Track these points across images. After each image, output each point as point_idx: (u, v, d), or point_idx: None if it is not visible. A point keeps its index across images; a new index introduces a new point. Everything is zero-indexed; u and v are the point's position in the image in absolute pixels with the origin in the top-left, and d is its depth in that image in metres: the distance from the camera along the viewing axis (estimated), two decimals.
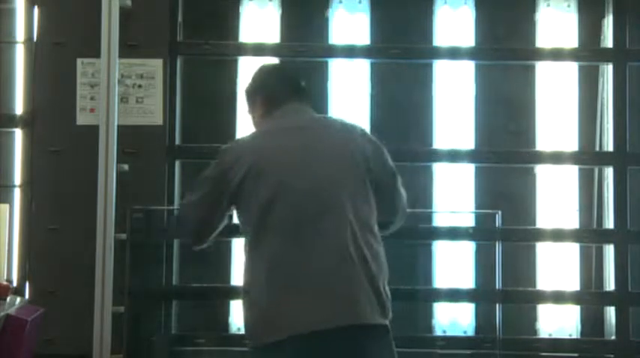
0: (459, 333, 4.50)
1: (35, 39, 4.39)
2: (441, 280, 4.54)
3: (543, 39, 4.64)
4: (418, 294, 4.47)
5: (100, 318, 3.72)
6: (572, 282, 4.54)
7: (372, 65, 4.62)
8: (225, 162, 2.86)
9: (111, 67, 3.75)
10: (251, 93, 3.10)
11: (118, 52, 3.76)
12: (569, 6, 4.64)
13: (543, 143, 4.60)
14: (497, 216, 4.36)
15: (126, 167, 3.85)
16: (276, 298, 2.69)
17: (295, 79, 3.13)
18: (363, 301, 2.72)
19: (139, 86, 4.34)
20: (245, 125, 4.57)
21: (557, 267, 4.54)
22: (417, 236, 4.50)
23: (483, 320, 4.51)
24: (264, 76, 3.14)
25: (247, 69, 4.61)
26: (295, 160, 2.80)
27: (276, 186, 2.74)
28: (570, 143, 4.59)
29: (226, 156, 2.89)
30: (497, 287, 4.34)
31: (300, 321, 2.66)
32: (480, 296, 4.50)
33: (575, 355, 4.45)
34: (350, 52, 4.57)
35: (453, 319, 4.51)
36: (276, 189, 2.74)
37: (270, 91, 3.05)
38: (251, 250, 2.79)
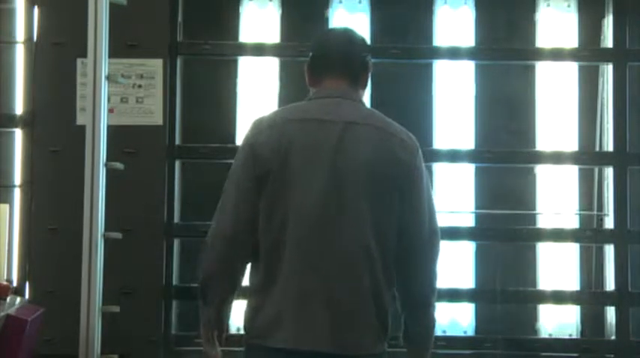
0: (459, 333, 4.50)
1: (35, 39, 4.39)
2: (442, 280, 4.53)
3: (543, 39, 4.64)
4: None
5: (86, 318, 3.71)
6: (572, 282, 4.54)
7: (372, 65, 4.61)
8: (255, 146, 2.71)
9: (97, 64, 3.73)
10: (307, 55, 2.91)
11: (107, 50, 3.75)
12: (569, 6, 4.63)
13: (543, 143, 4.60)
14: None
15: (120, 166, 3.84)
16: (292, 307, 2.63)
17: (351, 52, 2.86)
18: (367, 330, 2.68)
19: (139, 86, 4.34)
20: (246, 125, 4.58)
21: (557, 266, 4.54)
22: None
23: (483, 320, 4.51)
24: (318, 37, 2.96)
25: (247, 69, 4.62)
26: (322, 180, 2.64)
27: (297, 198, 2.64)
28: (570, 143, 4.59)
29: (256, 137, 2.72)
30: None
31: (310, 338, 2.62)
32: (480, 296, 4.50)
33: (575, 355, 4.44)
34: None
35: (453, 319, 4.51)
36: (299, 201, 2.64)
37: (317, 57, 2.84)
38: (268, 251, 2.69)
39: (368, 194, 2.67)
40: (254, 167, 2.68)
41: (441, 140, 4.60)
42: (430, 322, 2.87)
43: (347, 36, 2.92)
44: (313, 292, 2.63)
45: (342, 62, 2.83)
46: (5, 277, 4.04)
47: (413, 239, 2.75)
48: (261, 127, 2.75)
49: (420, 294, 2.82)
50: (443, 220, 4.49)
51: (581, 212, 4.59)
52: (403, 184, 2.71)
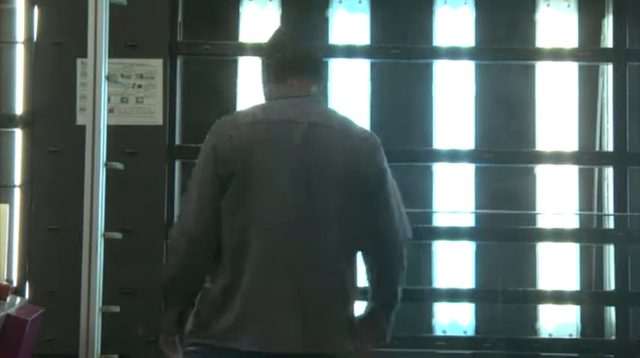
0: (459, 333, 4.50)
1: (35, 39, 4.39)
2: (441, 280, 4.54)
3: (543, 39, 4.64)
4: (418, 294, 4.47)
5: (86, 318, 3.71)
6: (572, 282, 4.54)
7: (372, 65, 4.62)
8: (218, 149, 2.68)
9: (97, 64, 3.73)
10: (263, 53, 2.89)
11: (107, 50, 3.75)
12: (569, 6, 4.63)
13: (543, 143, 4.60)
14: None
15: (120, 166, 3.84)
16: (259, 308, 2.60)
17: (312, 52, 2.86)
18: (338, 330, 2.67)
19: (139, 86, 4.34)
20: None
21: (557, 266, 4.54)
22: (417, 236, 4.50)
23: (483, 320, 4.51)
24: (279, 36, 2.89)
25: (247, 69, 4.62)
26: (287, 180, 2.63)
27: (261, 201, 2.62)
28: (570, 143, 4.59)
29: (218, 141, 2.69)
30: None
31: (279, 340, 2.59)
32: (480, 296, 4.50)
33: (575, 355, 4.45)
34: (350, 52, 4.57)
35: (453, 319, 4.51)
36: (262, 201, 2.62)
37: (280, 56, 2.80)
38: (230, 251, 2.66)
39: (333, 194, 2.66)
40: (217, 169, 2.65)
41: (441, 140, 4.60)
42: (392, 318, 2.88)
43: (305, 36, 2.93)
44: (280, 293, 2.61)
45: (304, 62, 2.82)
46: (5, 277, 4.04)
47: (382, 238, 2.75)
48: (224, 129, 2.71)
49: (391, 292, 2.83)
50: (443, 220, 4.53)
51: (581, 212, 4.59)
52: (369, 184, 2.70)
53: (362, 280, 2.84)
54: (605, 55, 4.60)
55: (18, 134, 4.45)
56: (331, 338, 2.66)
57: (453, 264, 4.52)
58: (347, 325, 2.71)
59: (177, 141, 4.49)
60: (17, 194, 4.42)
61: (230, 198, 2.64)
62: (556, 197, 4.57)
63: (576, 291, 4.51)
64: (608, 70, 4.58)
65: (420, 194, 4.56)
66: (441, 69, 4.62)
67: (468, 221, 4.55)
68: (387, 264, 2.79)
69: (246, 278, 2.61)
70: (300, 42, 2.86)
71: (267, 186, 2.63)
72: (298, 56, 2.80)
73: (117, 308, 3.78)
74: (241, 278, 2.61)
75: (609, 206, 4.53)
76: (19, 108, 4.47)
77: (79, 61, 4.29)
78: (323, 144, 2.67)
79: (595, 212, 4.59)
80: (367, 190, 2.69)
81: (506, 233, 4.48)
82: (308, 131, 2.68)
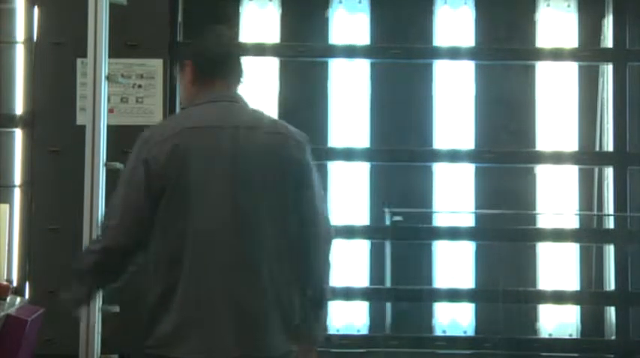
0: (459, 333, 4.50)
1: (35, 39, 4.39)
2: (441, 280, 4.54)
3: (543, 39, 4.65)
4: (418, 294, 4.47)
5: (86, 318, 3.70)
6: (572, 282, 4.54)
7: (372, 65, 4.62)
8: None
9: (97, 64, 3.73)
10: (185, 55, 2.85)
11: (107, 50, 3.75)
12: (569, 6, 4.64)
13: (543, 143, 4.60)
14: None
15: (120, 166, 3.84)
16: (195, 315, 2.58)
17: (236, 54, 2.87)
18: (274, 332, 2.65)
19: (139, 86, 4.34)
20: None
21: (557, 266, 4.54)
22: (416, 236, 4.51)
23: (483, 320, 4.51)
24: (207, 38, 2.84)
25: (248, 69, 4.61)
26: (220, 186, 2.60)
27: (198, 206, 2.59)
28: (570, 143, 4.59)
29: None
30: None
31: (216, 346, 2.57)
32: (480, 296, 4.50)
33: (575, 355, 4.45)
34: (350, 52, 4.57)
35: (453, 319, 4.51)
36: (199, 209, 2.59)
37: (207, 58, 2.77)
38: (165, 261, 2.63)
39: (267, 196, 2.65)
40: (148, 183, 2.60)
41: (441, 140, 4.60)
42: (326, 316, 2.85)
43: (229, 38, 2.91)
44: (216, 300, 2.59)
45: (230, 65, 2.80)
46: (5, 277, 4.04)
47: (311, 235, 2.73)
48: (152, 141, 2.64)
49: (322, 289, 2.79)
50: (443, 220, 4.53)
51: (581, 212, 4.59)
52: (299, 182, 2.70)
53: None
54: (605, 55, 4.60)
55: (18, 134, 4.45)
56: (267, 342, 2.64)
57: (453, 264, 4.52)
58: (284, 327, 2.68)
59: None
60: (17, 194, 4.42)
61: (164, 212, 2.61)
62: (556, 197, 4.57)
63: (576, 291, 4.51)
64: (608, 70, 4.58)
65: (420, 194, 4.56)
66: (441, 69, 4.62)
67: (468, 221, 4.55)
68: (312, 261, 2.76)
69: (181, 287, 2.59)
70: (222, 43, 2.83)
71: (202, 196, 2.60)
72: (221, 58, 2.78)
73: (117, 308, 3.78)
74: (176, 287, 2.60)
75: (609, 206, 4.53)
76: (19, 108, 4.47)
77: (79, 61, 4.29)
78: (252, 147, 2.66)
79: (595, 212, 4.59)
80: (295, 188, 2.69)
81: (506, 233, 4.48)
82: (239, 135, 2.66)
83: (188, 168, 2.60)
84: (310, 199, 2.71)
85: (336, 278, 4.52)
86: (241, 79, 2.81)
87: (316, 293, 2.75)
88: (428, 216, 4.57)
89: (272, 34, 4.63)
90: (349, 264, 4.53)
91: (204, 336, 2.58)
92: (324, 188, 4.53)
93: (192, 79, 2.77)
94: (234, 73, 2.79)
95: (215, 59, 2.77)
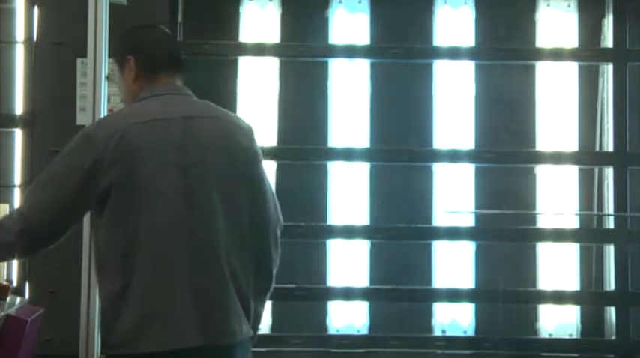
0: (459, 333, 4.50)
1: (35, 39, 4.39)
2: (441, 280, 4.54)
3: (543, 39, 4.65)
4: (418, 294, 4.47)
5: (86, 318, 3.70)
6: (572, 282, 4.54)
7: (372, 65, 4.62)
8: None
9: (97, 64, 3.73)
10: (124, 51, 2.79)
11: (107, 50, 3.75)
12: (569, 6, 4.64)
13: (543, 143, 4.60)
14: None
15: None
16: (155, 307, 2.58)
17: (178, 48, 2.86)
18: (234, 318, 2.66)
19: None
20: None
21: (557, 266, 4.54)
22: (417, 236, 4.51)
23: (483, 320, 4.51)
24: (143, 33, 2.83)
25: (247, 69, 4.62)
26: (172, 175, 2.60)
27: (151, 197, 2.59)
28: (570, 143, 4.60)
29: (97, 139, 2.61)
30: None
31: (178, 336, 2.57)
32: (480, 296, 4.50)
33: (575, 355, 4.45)
34: (350, 52, 4.57)
35: (453, 319, 4.51)
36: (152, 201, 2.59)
37: (150, 53, 2.76)
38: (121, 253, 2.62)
39: (219, 184, 2.66)
40: (96, 180, 2.60)
41: (441, 140, 4.60)
42: (264, 304, 2.88)
43: (167, 32, 2.91)
44: (177, 290, 2.59)
45: (173, 58, 2.81)
46: (5, 277, 4.03)
47: (262, 220, 2.76)
48: (98, 138, 2.62)
49: (269, 276, 2.82)
50: (443, 220, 4.53)
51: (581, 212, 4.59)
52: (249, 170, 2.72)
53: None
54: (605, 55, 4.60)
55: (18, 134, 4.45)
56: (228, 328, 2.65)
57: (453, 264, 4.52)
58: (242, 313, 2.69)
59: None
60: (17, 194, 4.42)
61: (114, 207, 2.60)
62: (556, 197, 4.57)
63: (576, 291, 4.51)
64: (608, 70, 4.58)
65: (420, 194, 4.56)
66: (441, 69, 4.62)
67: (468, 221, 4.55)
68: (263, 249, 2.78)
69: (138, 281, 2.58)
70: (166, 38, 2.85)
71: (153, 188, 2.60)
72: (164, 52, 2.79)
73: None
74: (132, 282, 2.59)
75: (609, 206, 4.53)
76: (19, 108, 4.46)
77: (79, 61, 4.29)
78: (202, 136, 2.67)
79: (595, 212, 4.59)
80: (245, 176, 2.71)
81: (506, 233, 4.48)
82: (188, 127, 2.66)
83: (138, 162, 2.59)
84: (259, 186, 2.74)
85: (336, 278, 4.53)
86: (184, 72, 2.80)
87: (266, 279, 2.78)
88: (428, 216, 4.56)
89: (272, 34, 4.63)
90: (349, 263, 4.53)
91: (167, 327, 2.57)
92: (325, 188, 4.58)
93: (136, 75, 2.76)
94: (177, 67, 2.78)
95: (158, 53, 2.76)
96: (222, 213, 2.65)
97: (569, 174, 4.59)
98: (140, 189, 2.59)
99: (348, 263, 4.52)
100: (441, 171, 4.58)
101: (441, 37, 4.63)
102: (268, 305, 4.49)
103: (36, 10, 4.39)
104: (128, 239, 2.59)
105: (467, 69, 4.61)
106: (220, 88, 4.62)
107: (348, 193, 4.57)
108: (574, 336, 4.50)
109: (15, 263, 4.35)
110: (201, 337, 2.59)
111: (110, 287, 2.62)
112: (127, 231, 2.59)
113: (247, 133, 2.75)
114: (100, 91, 3.76)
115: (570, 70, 4.63)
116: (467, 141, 4.60)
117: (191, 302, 2.59)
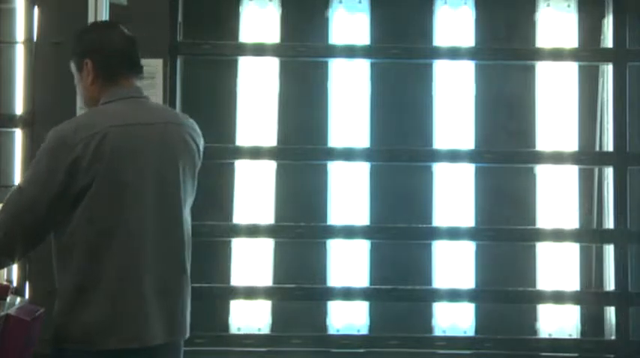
0: (459, 333, 4.50)
1: (35, 39, 4.39)
2: (441, 280, 4.54)
3: (543, 39, 4.64)
4: (418, 294, 4.47)
5: None
6: (572, 282, 4.54)
7: (372, 65, 4.62)
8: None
9: None
10: (81, 53, 2.79)
11: None
12: (569, 6, 4.64)
13: (543, 143, 4.60)
14: None
15: None
16: (123, 305, 2.65)
17: (137, 49, 2.86)
18: (188, 313, 2.81)
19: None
20: (245, 125, 4.58)
21: (557, 266, 4.54)
22: (417, 236, 4.51)
23: (483, 320, 4.51)
24: (102, 34, 2.82)
25: (247, 69, 4.62)
26: (153, 176, 2.68)
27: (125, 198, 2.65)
28: (570, 143, 4.59)
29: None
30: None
31: (146, 333, 2.65)
32: (480, 296, 4.50)
33: (575, 355, 4.44)
34: (350, 52, 4.57)
35: (453, 319, 4.51)
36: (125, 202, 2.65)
37: (109, 55, 2.77)
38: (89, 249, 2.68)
39: (183, 188, 2.76)
40: (75, 178, 2.62)
41: (441, 140, 4.59)
42: None
43: (126, 32, 2.89)
44: (146, 290, 2.66)
45: (132, 60, 2.83)
46: (5, 277, 4.03)
47: (189, 222, 2.91)
48: (75, 140, 2.65)
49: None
50: (443, 220, 4.53)
51: (581, 212, 4.59)
52: (195, 173, 2.86)
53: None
54: (605, 55, 4.60)
55: (18, 134, 4.45)
56: (184, 326, 2.80)
57: (453, 264, 4.52)
58: (188, 311, 2.84)
59: None
60: None
61: (90, 202, 2.63)
62: (556, 197, 4.57)
63: (576, 291, 4.51)
64: (608, 70, 4.58)
65: (420, 194, 4.56)
66: (441, 69, 4.62)
67: (468, 221, 4.55)
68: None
69: (108, 278, 2.64)
70: (125, 39, 2.85)
71: (131, 190, 2.65)
72: (121, 54, 2.80)
73: None
74: (101, 278, 2.64)
75: (609, 206, 4.53)
76: (19, 108, 4.46)
77: None
78: (175, 142, 2.76)
79: (595, 212, 4.59)
80: (193, 178, 2.85)
81: (506, 233, 4.48)
82: (164, 131, 2.74)
83: (119, 165, 2.63)
84: (195, 188, 2.88)
85: (336, 278, 4.53)
86: (141, 75, 2.84)
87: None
88: (428, 216, 4.56)
89: (272, 34, 4.63)
90: (349, 263, 4.53)
91: (136, 325, 2.64)
92: (325, 188, 4.58)
93: (94, 77, 2.76)
94: (136, 69, 2.82)
95: (116, 56, 2.77)
96: (182, 216, 2.77)
97: (569, 174, 4.59)
98: (120, 190, 2.64)
99: (348, 263, 4.52)
100: (441, 171, 4.58)
101: (441, 37, 4.63)
102: (268, 304, 4.51)
103: (36, 10, 4.38)
104: (101, 237, 2.63)
105: (467, 69, 4.61)
106: (220, 88, 4.62)
107: (348, 193, 4.57)
108: (574, 336, 4.50)
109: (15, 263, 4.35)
110: (166, 335, 2.70)
111: (73, 282, 2.67)
112: (101, 229, 2.63)
113: (199, 135, 2.90)
114: None
115: (570, 70, 4.63)
116: (467, 141, 4.60)
117: (158, 302, 2.67)
